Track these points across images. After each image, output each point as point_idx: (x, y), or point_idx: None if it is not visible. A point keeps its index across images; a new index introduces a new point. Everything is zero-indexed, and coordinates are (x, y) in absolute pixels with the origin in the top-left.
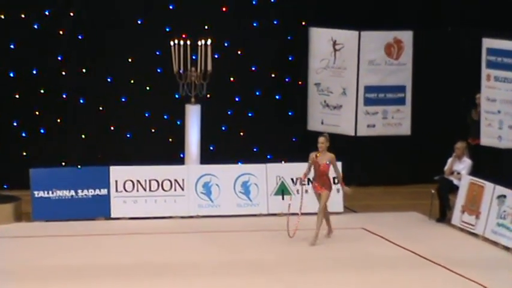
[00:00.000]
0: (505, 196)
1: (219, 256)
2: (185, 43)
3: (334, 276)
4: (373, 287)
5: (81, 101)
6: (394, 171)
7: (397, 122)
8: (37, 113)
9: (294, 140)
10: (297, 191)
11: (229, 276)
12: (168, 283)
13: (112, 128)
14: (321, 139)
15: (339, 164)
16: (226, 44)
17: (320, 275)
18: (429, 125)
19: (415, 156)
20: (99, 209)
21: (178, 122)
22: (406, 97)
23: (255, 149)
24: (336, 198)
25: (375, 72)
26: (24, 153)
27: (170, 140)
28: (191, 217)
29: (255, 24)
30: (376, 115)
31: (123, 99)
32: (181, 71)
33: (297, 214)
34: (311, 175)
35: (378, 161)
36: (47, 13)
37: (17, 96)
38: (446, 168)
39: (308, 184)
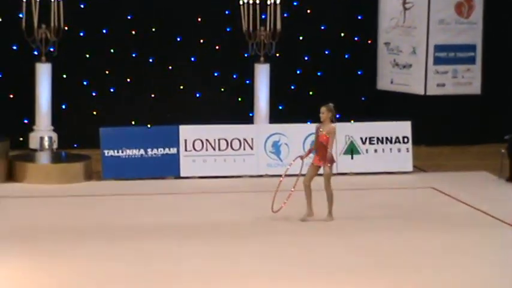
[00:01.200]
0: None
1: (289, 214)
2: (254, 2)
3: (404, 236)
4: (444, 246)
5: (151, 60)
6: (463, 130)
7: (467, 81)
8: (107, 72)
9: (363, 99)
10: (290, 164)
11: (302, 236)
12: (238, 242)
13: (181, 87)
14: (322, 109)
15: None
16: (295, 3)
17: (391, 233)
18: (499, 84)
19: (485, 115)
20: (169, 168)
21: (248, 81)
22: (476, 56)
23: None
24: (405, 157)
25: (445, 31)
26: (94, 113)
27: (239, 99)
28: (260, 176)
29: None
30: (446, 74)
31: (192, 59)
32: (250, 30)
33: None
34: None
35: (447, 121)
36: None
37: (87, 56)
38: None
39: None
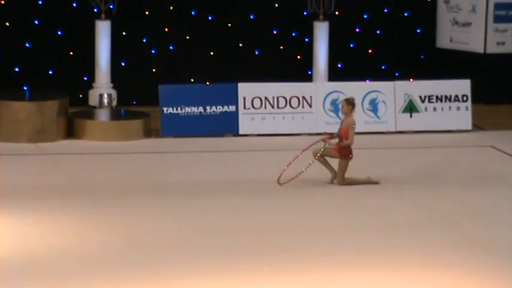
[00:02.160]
0: None
1: (351, 173)
2: None
3: (461, 194)
4: (502, 205)
5: (210, 18)
6: None
7: None
8: (166, 29)
9: (422, 57)
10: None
11: (356, 195)
12: (296, 200)
13: (240, 45)
14: (342, 102)
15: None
16: None
17: (449, 192)
18: None
19: None
20: (227, 126)
21: (307, 39)
22: None
23: (383, 67)
24: (464, 116)
25: None
26: (154, 70)
27: (298, 57)
28: (319, 134)
29: None
30: (506, 32)
31: (251, 17)
32: None
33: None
34: None
35: (507, 79)
36: None
37: (147, 13)
38: None
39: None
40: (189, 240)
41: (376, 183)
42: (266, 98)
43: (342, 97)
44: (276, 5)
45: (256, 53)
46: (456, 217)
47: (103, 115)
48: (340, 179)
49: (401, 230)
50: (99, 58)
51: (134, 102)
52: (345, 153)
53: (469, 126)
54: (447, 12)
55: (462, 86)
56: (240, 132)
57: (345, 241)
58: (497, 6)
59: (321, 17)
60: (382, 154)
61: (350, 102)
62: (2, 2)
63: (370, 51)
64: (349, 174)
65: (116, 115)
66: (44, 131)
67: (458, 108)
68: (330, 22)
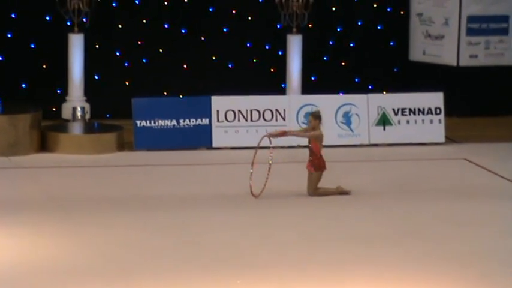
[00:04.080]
0: None
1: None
2: None
3: (435, 207)
4: (475, 217)
5: (183, 31)
6: (496, 101)
7: (499, 52)
8: (139, 42)
9: (395, 70)
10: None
11: (332, 207)
12: (270, 212)
13: (214, 58)
14: (309, 117)
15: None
16: None
17: (422, 204)
18: None
19: None
20: (201, 139)
21: (280, 52)
22: (509, 27)
23: (356, 80)
24: (437, 128)
25: (478, 2)
26: (127, 83)
27: (272, 70)
28: (292, 147)
29: None
30: (479, 45)
31: (225, 30)
32: (283, 1)
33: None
34: None
35: (480, 92)
36: None
37: (120, 26)
38: None
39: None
40: (162, 254)
41: (347, 193)
42: (239, 111)
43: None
44: (249, 18)
45: (230, 66)
46: (429, 229)
47: (76, 128)
48: (312, 189)
49: (374, 241)
50: (72, 71)
51: (107, 116)
52: (318, 165)
53: (442, 139)
54: (420, 25)
55: (435, 99)
56: (214, 145)
57: (318, 253)
58: (470, 20)
59: (294, 30)
60: (355, 167)
61: (316, 116)
62: None
63: (343, 64)
64: (322, 185)
65: (89, 128)
66: (17, 145)
67: (431, 121)
68: (303, 35)
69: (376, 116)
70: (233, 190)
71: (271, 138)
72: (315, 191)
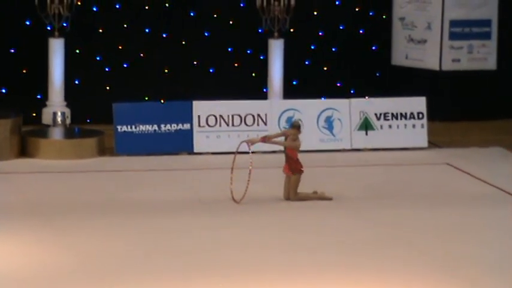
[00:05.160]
0: None
1: (303, 190)
2: None
3: (417, 212)
4: (458, 223)
5: (164, 35)
6: (478, 106)
7: (482, 56)
8: (120, 47)
9: (377, 75)
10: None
11: (314, 211)
12: (251, 218)
13: (195, 63)
14: (290, 131)
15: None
16: None
17: (404, 210)
18: None
19: (501, 91)
20: (182, 144)
21: (262, 57)
22: (492, 31)
23: (338, 84)
24: (420, 133)
25: (460, 6)
26: (108, 88)
27: (253, 74)
28: (274, 152)
29: None
30: (461, 50)
31: (206, 34)
32: (264, 5)
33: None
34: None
35: (462, 96)
36: None
37: (101, 30)
38: None
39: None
40: (142, 261)
41: (329, 199)
42: (221, 116)
43: (297, 115)
44: (231, 23)
45: (211, 70)
46: (412, 235)
47: (57, 133)
48: (292, 194)
49: (355, 248)
50: (52, 76)
51: (88, 121)
52: (295, 167)
53: (425, 144)
54: (402, 29)
55: (418, 104)
56: (195, 150)
57: (300, 260)
58: (453, 24)
59: (276, 34)
60: (337, 172)
61: (296, 126)
62: None
63: (325, 68)
64: (301, 191)
65: (69, 133)
66: None
67: (413, 126)
68: (285, 39)
69: (359, 121)
70: (214, 195)
71: (249, 145)
72: (295, 195)
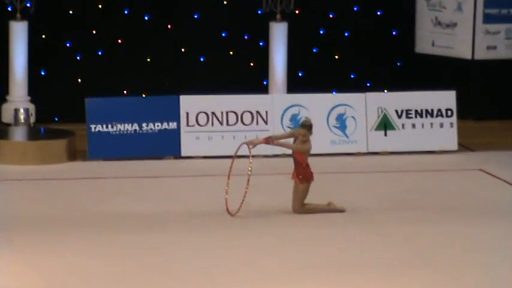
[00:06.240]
0: None
1: (313, 201)
2: None
3: (446, 228)
4: (493, 241)
5: (146, 18)
6: None
7: None
8: (94, 32)
9: (398, 64)
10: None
11: (325, 227)
12: (249, 233)
13: (183, 50)
14: (301, 131)
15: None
16: None
17: (431, 225)
18: None
19: None
20: (167, 146)
21: (261, 43)
22: None
23: (352, 76)
24: (449, 134)
25: None
26: (79, 80)
27: (251, 64)
28: (276, 156)
29: None
30: (498, 35)
31: (195, 16)
32: None
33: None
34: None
35: (499, 90)
36: None
37: (71, 12)
38: None
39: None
40: (123, 282)
41: (341, 211)
42: (213, 113)
43: (303, 112)
44: (225, 3)
45: (202, 59)
46: (437, 256)
47: (19, 134)
48: (298, 205)
49: (371, 270)
50: (14, 66)
51: (56, 119)
52: (305, 175)
53: (455, 146)
54: (428, 10)
55: (446, 99)
56: (183, 154)
57: (304, 283)
58: (488, 4)
59: (279, 16)
60: (351, 179)
61: (307, 126)
62: None
63: (336, 57)
64: (309, 201)
65: (34, 134)
66: None
67: (441, 125)
68: (289, 22)
69: (376, 119)
70: (206, 207)
71: (250, 147)
72: (301, 207)
